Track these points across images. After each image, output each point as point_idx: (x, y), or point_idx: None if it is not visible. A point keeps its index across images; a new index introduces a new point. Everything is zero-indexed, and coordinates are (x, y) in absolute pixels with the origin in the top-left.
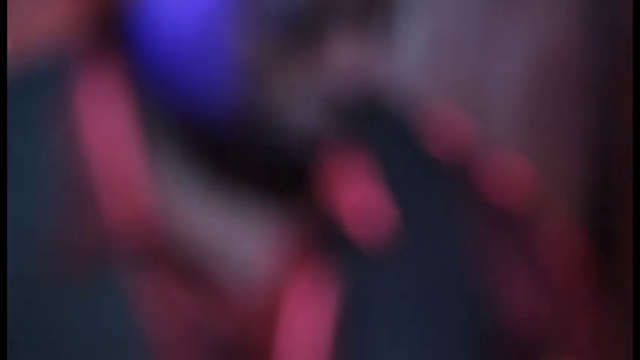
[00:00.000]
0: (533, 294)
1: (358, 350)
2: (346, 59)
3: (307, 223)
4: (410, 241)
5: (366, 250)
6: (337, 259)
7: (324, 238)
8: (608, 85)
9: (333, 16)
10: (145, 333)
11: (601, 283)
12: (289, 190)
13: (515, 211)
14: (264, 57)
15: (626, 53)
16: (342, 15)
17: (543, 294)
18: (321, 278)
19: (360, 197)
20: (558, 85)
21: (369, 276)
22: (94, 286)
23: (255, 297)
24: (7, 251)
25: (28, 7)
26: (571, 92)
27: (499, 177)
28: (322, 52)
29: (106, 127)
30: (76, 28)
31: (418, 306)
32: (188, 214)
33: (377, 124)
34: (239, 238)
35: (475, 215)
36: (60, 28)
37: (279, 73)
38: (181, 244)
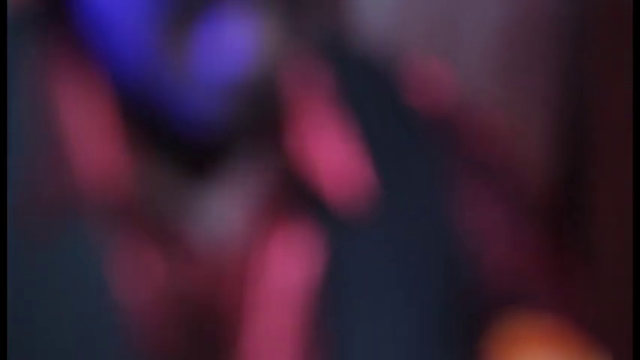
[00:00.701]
0: (512, 249)
1: (335, 313)
2: (244, 35)
3: (280, 184)
4: (389, 201)
5: (342, 209)
6: (312, 219)
7: (297, 198)
8: (582, 34)
9: None
10: (115, 291)
11: (571, 235)
12: (260, 150)
13: (495, 165)
14: (163, 36)
15: (601, 3)
16: None
17: (520, 249)
18: (295, 238)
19: (336, 156)
20: (533, 33)
21: (345, 235)
22: (63, 242)
23: (227, 258)
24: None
25: None
26: (545, 41)
27: (479, 130)
28: (220, 30)
29: (77, 83)
30: None
31: (401, 269)
32: (159, 172)
33: (352, 79)
34: (211, 197)
35: (456, 169)
36: None
37: (176, 51)
38: (152, 202)
